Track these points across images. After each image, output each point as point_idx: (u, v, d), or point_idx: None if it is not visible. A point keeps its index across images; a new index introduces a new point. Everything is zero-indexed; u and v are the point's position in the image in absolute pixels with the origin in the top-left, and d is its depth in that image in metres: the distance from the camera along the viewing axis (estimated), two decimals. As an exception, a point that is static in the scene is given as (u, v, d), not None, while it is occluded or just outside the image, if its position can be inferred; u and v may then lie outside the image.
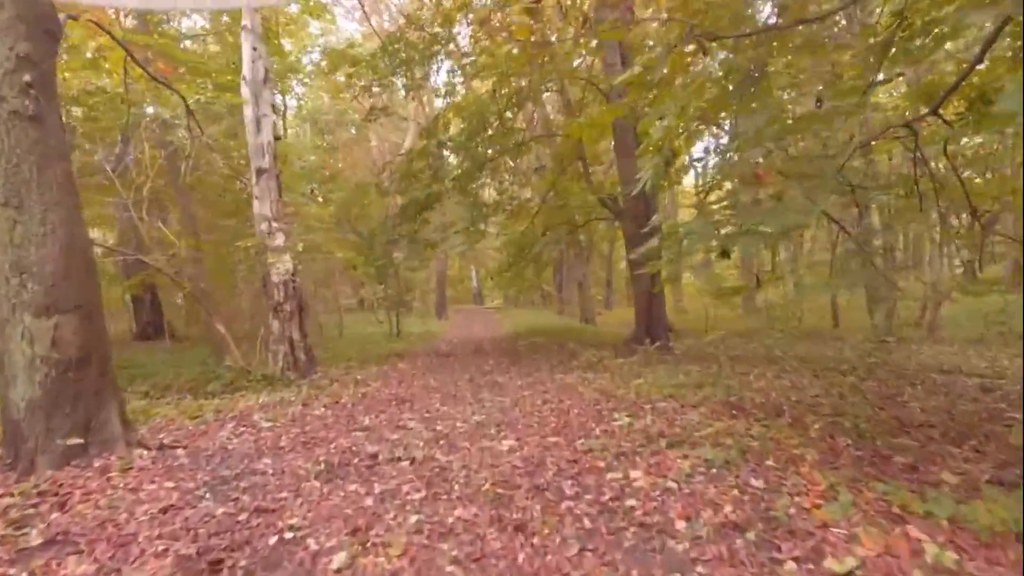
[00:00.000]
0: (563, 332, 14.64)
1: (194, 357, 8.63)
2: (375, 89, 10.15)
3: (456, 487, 3.07)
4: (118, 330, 14.98)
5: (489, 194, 12.57)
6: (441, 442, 4.02)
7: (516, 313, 25.81)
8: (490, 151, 11.21)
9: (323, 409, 5.29)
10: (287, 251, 7.25)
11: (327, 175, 19.83)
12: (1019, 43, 3.12)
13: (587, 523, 2.58)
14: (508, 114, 11.19)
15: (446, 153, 10.67)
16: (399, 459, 3.62)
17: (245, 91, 7.53)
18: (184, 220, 10.30)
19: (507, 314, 26.03)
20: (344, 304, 28.33)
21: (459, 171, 11.07)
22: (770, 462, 3.18)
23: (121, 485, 3.11)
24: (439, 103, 11.45)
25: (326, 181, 20.32)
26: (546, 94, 12.93)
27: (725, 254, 3.87)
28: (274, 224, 7.28)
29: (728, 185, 5.10)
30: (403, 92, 11.14)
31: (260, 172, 7.32)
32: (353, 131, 25.84)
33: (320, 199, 14.32)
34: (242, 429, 4.44)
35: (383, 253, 10.73)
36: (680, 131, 3.75)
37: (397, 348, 11.74)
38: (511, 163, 12.31)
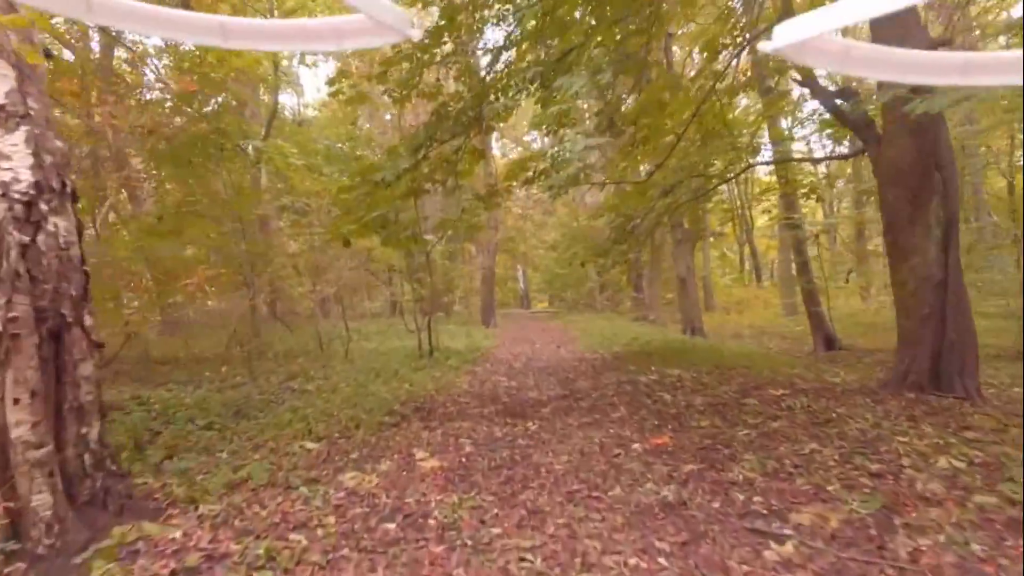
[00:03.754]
0: (683, 351, 9.19)
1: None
2: None
3: None
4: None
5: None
6: None
7: (579, 320, 20.13)
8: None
9: None
10: (28, 156, 2.18)
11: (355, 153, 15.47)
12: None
13: None
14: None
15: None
16: None
17: None
18: None
19: (567, 320, 20.46)
20: (371, 307, 23.47)
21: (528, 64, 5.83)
22: None
23: None
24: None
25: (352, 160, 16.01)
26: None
27: None
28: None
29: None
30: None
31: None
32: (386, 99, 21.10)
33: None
34: None
35: (392, 199, 5.55)
36: None
37: (421, 389, 6.61)
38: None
